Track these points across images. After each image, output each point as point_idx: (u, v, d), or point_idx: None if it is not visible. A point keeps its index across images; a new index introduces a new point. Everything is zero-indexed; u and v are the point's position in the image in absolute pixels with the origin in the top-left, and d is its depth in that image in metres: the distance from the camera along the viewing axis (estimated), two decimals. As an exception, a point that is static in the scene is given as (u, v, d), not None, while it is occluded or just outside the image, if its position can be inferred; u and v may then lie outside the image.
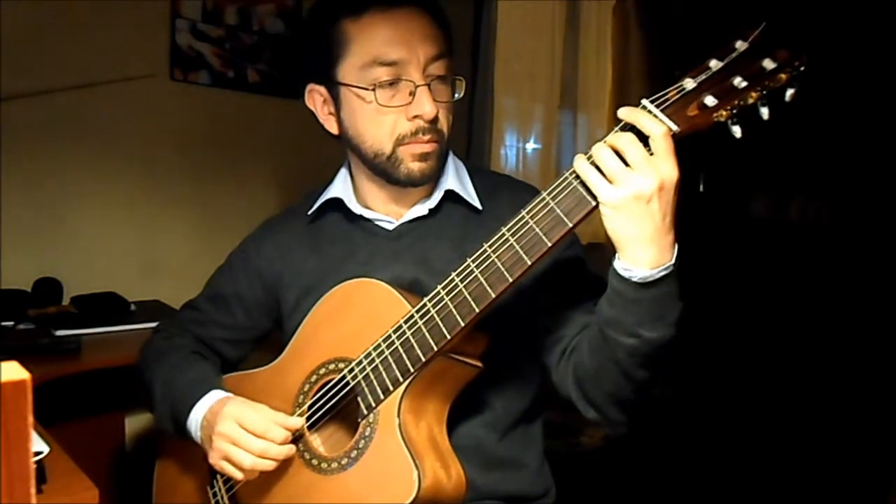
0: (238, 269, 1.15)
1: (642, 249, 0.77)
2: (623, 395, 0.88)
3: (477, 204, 1.04)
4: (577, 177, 0.79)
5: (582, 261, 1.03)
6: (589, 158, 0.78)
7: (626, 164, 0.76)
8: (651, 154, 0.75)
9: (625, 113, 0.77)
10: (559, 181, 0.80)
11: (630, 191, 0.74)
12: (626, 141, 0.76)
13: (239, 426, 0.93)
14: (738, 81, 0.74)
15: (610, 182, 0.76)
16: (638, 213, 0.75)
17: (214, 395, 1.00)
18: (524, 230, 0.81)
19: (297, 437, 0.97)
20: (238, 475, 0.95)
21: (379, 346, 0.91)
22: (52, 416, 1.13)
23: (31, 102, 1.85)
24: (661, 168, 0.75)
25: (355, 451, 0.91)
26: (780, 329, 3.03)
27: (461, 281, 0.85)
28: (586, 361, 0.90)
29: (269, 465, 0.94)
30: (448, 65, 0.99)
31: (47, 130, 1.92)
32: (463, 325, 0.84)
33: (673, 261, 0.79)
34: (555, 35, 3.08)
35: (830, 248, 3.02)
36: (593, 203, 0.78)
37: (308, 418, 0.97)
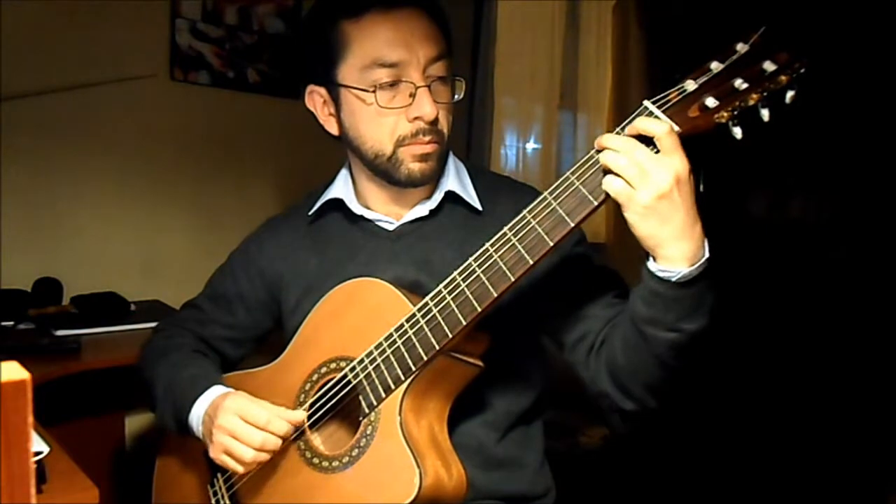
0: (239, 269, 1.16)
1: (677, 246, 0.77)
2: (659, 384, 0.89)
3: (477, 205, 1.04)
4: (579, 177, 0.79)
5: (590, 257, 1.03)
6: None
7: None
8: (657, 152, 0.75)
9: (630, 129, 0.78)
10: (561, 181, 0.81)
11: (652, 191, 0.74)
12: (632, 144, 0.76)
13: (240, 419, 0.92)
14: (739, 83, 0.75)
15: (632, 187, 0.76)
16: (664, 211, 0.75)
17: (216, 391, 1.00)
18: (526, 230, 0.81)
19: (298, 435, 0.97)
20: (239, 468, 0.95)
21: (380, 344, 0.91)
22: (52, 416, 1.13)
23: (31, 102, 1.85)
24: (673, 162, 0.75)
25: (356, 450, 0.91)
26: (779, 329, 3.03)
27: (463, 280, 0.85)
28: (620, 359, 0.89)
29: (268, 457, 0.93)
30: (448, 65, 0.99)
31: (47, 130, 1.92)
32: (465, 324, 0.84)
33: (707, 254, 0.79)
34: (555, 35, 3.07)
35: (831, 248, 3.02)
36: (595, 203, 0.79)
37: (309, 417, 0.97)
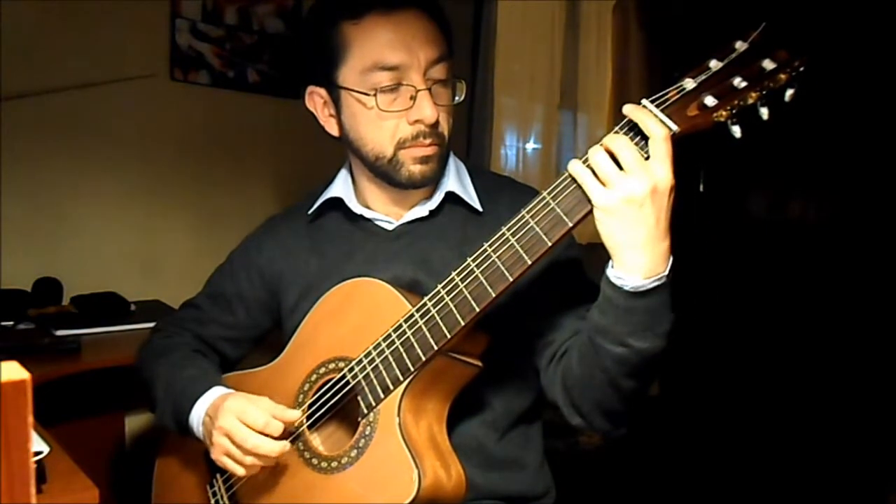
0: (239, 268, 1.16)
1: (635, 256, 0.77)
2: (609, 404, 0.88)
3: (477, 205, 1.04)
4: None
5: (579, 263, 1.03)
6: (584, 161, 0.78)
7: (621, 168, 0.76)
8: (647, 157, 0.75)
9: (629, 109, 0.77)
10: (559, 181, 0.80)
11: (622, 194, 0.74)
12: (621, 143, 0.76)
13: (239, 421, 0.92)
14: (738, 82, 0.74)
15: (603, 185, 0.76)
16: (630, 217, 0.75)
17: (216, 392, 1.00)
18: (524, 230, 0.81)
19: (297, 436, 0.97)
20: (239, 471, 0.95)
21: (379, 345, 0.91)
22: (52, 416, 1.13)
23: (31, 102, 1.85)
24: (656, 172, 0.74)
25: (355, 451, 0.91)
26: (779, 329, 3.03)
27: (461, 280, 0.85)
28: (575, 368, 0.89)
29: (268, 461, 0.93)
30: (448, 68, 0.99)
31: (47, 130, 1.92)
32: (463, 324, 0.84)
33: (666, 272, 0.79)
34: (555, 35, 3.07)
35: (830, 248, 3.02)
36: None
37: (308, 417, 0.97)
